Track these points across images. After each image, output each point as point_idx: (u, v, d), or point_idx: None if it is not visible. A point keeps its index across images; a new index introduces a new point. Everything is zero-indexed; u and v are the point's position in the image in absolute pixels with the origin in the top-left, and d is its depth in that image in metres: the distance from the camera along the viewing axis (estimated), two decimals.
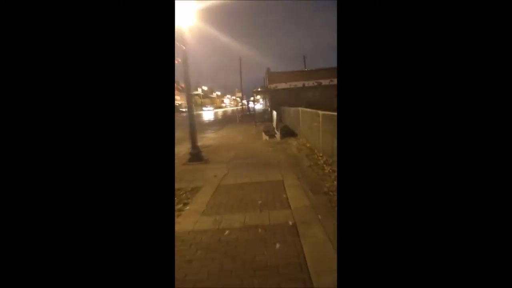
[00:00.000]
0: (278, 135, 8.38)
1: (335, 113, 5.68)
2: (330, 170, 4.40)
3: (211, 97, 63.15)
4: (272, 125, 10.00)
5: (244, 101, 31.56)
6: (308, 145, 6.87)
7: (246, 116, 21.67)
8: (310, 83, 21.17)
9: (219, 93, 72.43)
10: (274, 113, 9.55)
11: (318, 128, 6.00)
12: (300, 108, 8.13)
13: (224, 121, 20.78)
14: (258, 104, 15.09)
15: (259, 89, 14.10)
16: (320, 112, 5.64)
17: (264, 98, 15.17)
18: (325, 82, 20.88)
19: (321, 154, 5.50)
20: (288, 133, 9.37)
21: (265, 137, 8.43)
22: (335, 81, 20.46)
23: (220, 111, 48.81)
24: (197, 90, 59.32)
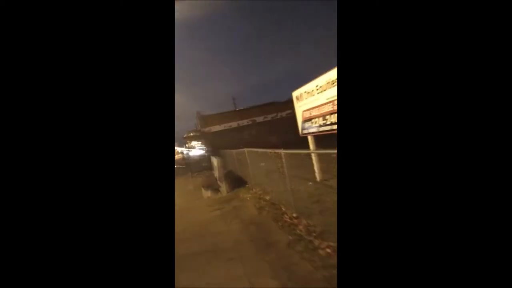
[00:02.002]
0: (224, 187, 6.24)
1: (300, 151, 4.07)
2: (331, 252, 2.48)
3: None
4: (214, 174, 7.83)
5: (178, 149, 28.56)
6: (267, 197, 4.95)
7: (181, 166, 18.83)
8: (244, 122, 20.30)
9: None
10: (214, 159, 7.46)
11: (281, 173, 4.22)
12: (246, 150, 6.34)
13: None
14: (193, 151, 12.78)
15: (191, 134, 11.96)
16: (283, 152, 3.90)
17: (200, 144, 13.02)
18: (259, 119, 20.34)
19: (294, 214, 3.62)
20: (236, 181, 7.32)
21: (206, 193, 6.17)
22: (268, 117, 20.12)
23: None
24: None
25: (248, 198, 5.39)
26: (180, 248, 3.53)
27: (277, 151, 4.13)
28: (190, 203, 6.16)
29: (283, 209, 4.13)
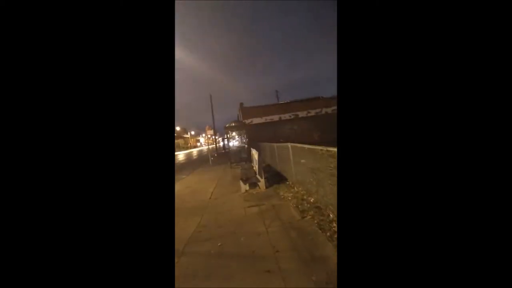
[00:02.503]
0: (262, 182, 5.81)
1: None
2: None
3: (185, 137, 60.12)
4: (252, 166, 7.47)
5: (218, 139, 29.19)
6: (311, 199, 4.37)
7: (220, 156, 19.05)
8: (286, 116, 19.62)
9: (193, 132, 69.75)
10: (254, 152, 7.07)
11: (332, 174, 3.60)
12: (290, 144, 5.79)
13: (196, 162, 17.87)
14: (234, 141, 12.64)
15: (232, 124, 11.79)
16: (333, 150, 3.27)
17: (239, 135, 12.84)
18: (302, 114, 19.44)
19: None
20: (275, 177, 6.85)
21: (244, 187, 5.81)
22: (312, 113, 19.09)
23: (195, 150, 45.76)
24: None
25: (289, 198, 4.87)
26: (211, 247, 3.20)
27: (329, 148, 3.52)
28: (227, 195, 5.88)
29: (331, 215, 3.52)
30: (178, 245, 3.29)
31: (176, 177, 10.47)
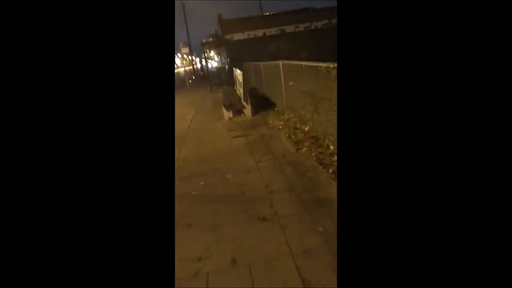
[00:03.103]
0: (248, 108, 5.10)
1: None
2: None
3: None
4: (236, 90, 6.59)
5: (196, 59, 26.33)
6: (305, 128, 3.83)
7: (199, 79, 17.36)
8: (272, 31, 17.25)
9: None
10: (238, 73, 6.05)
11: (331, 99, 2.96)
12: (280, 62, 4.83)
13: None
14: (213, 62, 11.15)
15: (210, 39, 10.03)
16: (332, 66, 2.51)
17: (218, 54, 11.22)
18: (289, 29, 17.16)
19: None
20: (262, 103, 6.11)
21: (227, 114, 5.11)
22: (301, 27, 16.87)
23: None
24: None
25: (280, 126, 4.29)
26: (192, 186, 2.70)
27: (334, 65, 2.73)
28: (209, 124, 5.19)
29: (331, 147, 3.04)
30: None
31: None
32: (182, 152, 3.76)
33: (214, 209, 2.23)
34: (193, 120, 5.61)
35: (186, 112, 6.51)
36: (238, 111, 5.26)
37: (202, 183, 2.76)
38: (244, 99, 5.04)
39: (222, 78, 10.58)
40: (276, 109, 5.46)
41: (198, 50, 15.59)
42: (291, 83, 4.77)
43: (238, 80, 5.80)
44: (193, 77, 16.59)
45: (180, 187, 2.69)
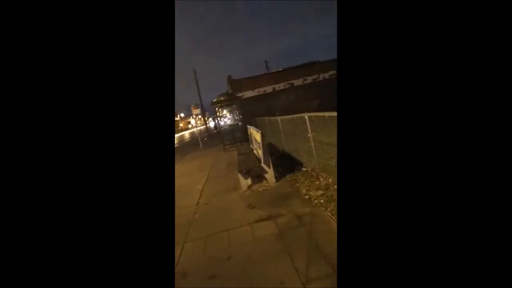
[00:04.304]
0: (270, 173, 3.96)
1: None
2: None
3: (175, 120, 57.08)
4: (252, 149, 5.57)
5: (209, 119, 26.87)
6: None
7: (211, 137, 16.99)
8: (280, 86, 17.36)
9: (182, 114, 66.05)
10: (254, 131, 5.12)
11: None
12: (306, 115, 3.85)
13: (187, 146, 15.86)
14: (225, 119, 10.61)
15: (221, 98, 9.63)
16: None
17: (230, 111, 10.78)
18: (297, 82, 17.22)
19: None
20: (284, 162, 5.00)
21: (245, 182, 3.95)
22: (308, 80, 16.91)
23: (187, 133, 43.37)
24: None
25: (321, 199, 3.03)
26: None
27: None
28: (223, 197, 4.01)
29: None
30: None
31: None
32: (184, 254, 2.50)
33: None
34: (203, 193, 4.47)
35: (196, 180, 5.44)
36: (258, 177, 4.11)
37: None
38: (264, 162, 3.94)
39: (236, 135, 9.83)
40: (305, 169, 4.29)
41: (211, 109, 15.58)
42: (322, 139, 3.70)
43: (255, 139, 4.82)
44: (205, 138, 16.22)
45: None
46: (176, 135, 35.36)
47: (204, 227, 3.00)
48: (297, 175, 4.08)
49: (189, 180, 5.64)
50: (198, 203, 3.95)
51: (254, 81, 17.11)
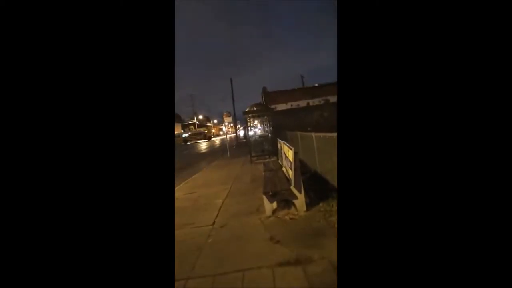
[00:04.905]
0: (300, 199, 3.31)
1: None
2: None
3: (208, 125, 58.46)
4: (281, 166, 4.97)
5: (240, 127, 26.89)
6: None
7: (240, 146, 16.70)
8: (315, 101, 16.65)
9: (215, 121, 67.86)
10: (285, 146, 4.54)
11: None
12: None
13: (213, 153, 15.73)
14: (255, 130, 10.19)
15: (254, 108, 9.24)
16: None
17: (261, 122, 10.35)
18: (333, 99, 16.34)
19: None
20: (316, 185, 4.30)
21: (270, 206, 3.35)
22: None
23: (217, 139, 44.09)
24: (193, 119, 54.86)
25: None
26: None
27: None
28: (243, 220, 3.44)
29: None
30: None
31: (190, 172, 8.28)
32: None
33: None
34: (222, 209, 3.95)
35: (217, 194, 4.96)
36: (285, 201, 3.49)
37: None
38: (295, 185, 3.31)
39: (264, 147, 9.31)
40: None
41: (242, 118, 15.35)
42: None
43: (286, 156, 4.21)
44: (234, 146, 15.97)
45: None
46: (208, 141, 35.96)
47: (216, 259, 2.44)
48: (332, 205, 3.37)
49: (209, 192, 5.19)
50: (214, 223, 3.43)
51: (289, 95, 16.66)
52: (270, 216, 3.34)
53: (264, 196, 3.38)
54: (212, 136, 48.45)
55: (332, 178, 4.33)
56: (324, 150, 4.84)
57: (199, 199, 4.66)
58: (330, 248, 2.34)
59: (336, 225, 2.81)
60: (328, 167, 4.66)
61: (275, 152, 7.62)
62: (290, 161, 3.62)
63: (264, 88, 16.67)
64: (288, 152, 3.86)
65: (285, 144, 4.39)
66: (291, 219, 3.20)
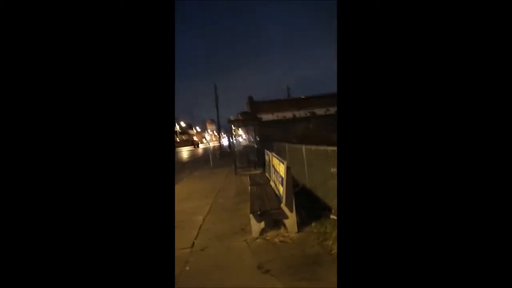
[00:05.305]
0: (291, 219, 2.97)
1: None
2: None
3: (190, 133, 57.28)
4: (268, 179, 4.64)
5: (224, 135, 26.39)
6: None
7: (224, 155, 16.20)
8: (301, 113, 16.70)
9: (199, 129, 66.63)
10: (275, 159, 4.23)
11: None
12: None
13: (197, 162, 15.10)
14: (239, 139, 9.81)
15: (239, 117, 8.93)
16: None
17: (246, 132, 10.04)
18: (319, 111, 16.50)
19: None
20: (306, 203, 4.00)
21: (257, 225, 2.98)
22: (331, 110, 16.09)
23: (200, 148, 43.05)
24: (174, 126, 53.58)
25: None
26: None
27: None
28: (227, 243, 3.02)
29: None
30: None
31: None
32: None
33: None
34: (202, 228, 3.51)
35: (197, 209, 4.50)
36: (275, 222, 3.13)
37: None
38: (286, 204, 2.98)
39: (250, 158, 8.96)
40: (335, 218, 3.27)
41: (226, 126, 14.97)
42: None
43: (276, 170, 3.88)
44: (217, 155, 15.45)
45: None
46: (189, 148, 34.91)
47: None
48: (326, 226, 3.06)
49: (189, 206, 4.71)
50: (193, 244, 2.99)
51: (275, 105, 16.60)
52: (257, 238, 2.96)
53: (251, 216, 3.00)
54: (200, 142, 47.61)
55: (323, 194, 4.06)
56: (314, 164, 4.58)
57: (177, 215, 4.17)
58: (327, 280, 2.00)
59: (333, 252, 2.49)
60: (318, 181, 4.40)
61: (261, 164, 7.29)
62: (281, 176, 3.29)
63: (250, 98, 16.49)
64: (279, 166, 3.53)
65: (275, 157, 4.08)
66: (281, 241, 2.84)
